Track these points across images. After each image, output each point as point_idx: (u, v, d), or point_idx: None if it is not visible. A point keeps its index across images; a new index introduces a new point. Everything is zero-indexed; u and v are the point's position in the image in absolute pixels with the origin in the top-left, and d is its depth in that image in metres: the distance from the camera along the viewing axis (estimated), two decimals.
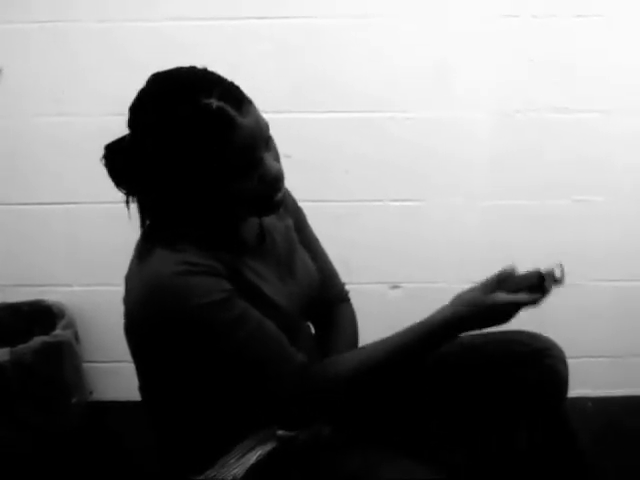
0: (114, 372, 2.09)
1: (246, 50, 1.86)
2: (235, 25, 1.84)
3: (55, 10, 1.86)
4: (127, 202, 1.05)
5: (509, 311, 1.04)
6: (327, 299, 1.29)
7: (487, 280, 1.07)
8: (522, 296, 1.03)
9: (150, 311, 0.99)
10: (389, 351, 1.07)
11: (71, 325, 1.96)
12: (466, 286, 2.12)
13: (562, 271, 1.04)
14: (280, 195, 1.05)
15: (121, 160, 1.02)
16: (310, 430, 1.13)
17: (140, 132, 1.00)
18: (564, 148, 1.94)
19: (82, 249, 2.04)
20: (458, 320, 1.05)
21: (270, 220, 1.19)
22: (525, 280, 1.06)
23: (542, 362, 1.20)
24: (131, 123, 1.01)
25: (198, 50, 1.74)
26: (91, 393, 2.10)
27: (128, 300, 1.05)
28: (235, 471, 1.10)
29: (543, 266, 1.06)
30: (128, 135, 1.02)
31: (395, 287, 2.07)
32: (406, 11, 1.85)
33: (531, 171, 1.96)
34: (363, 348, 1.11)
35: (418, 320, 2.18)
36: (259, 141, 1.00)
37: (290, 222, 1.25)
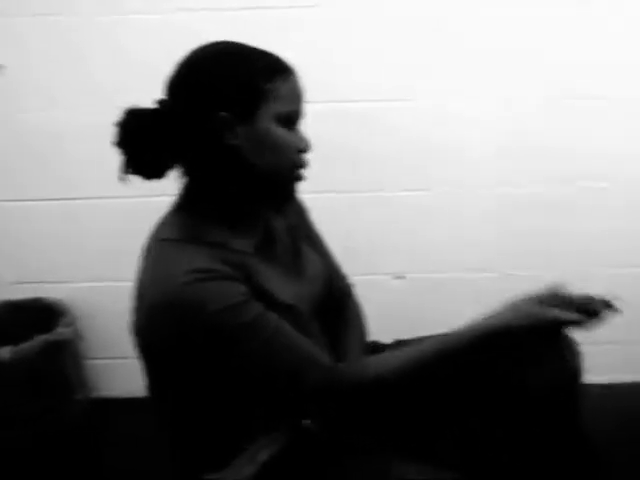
0: (117, 369, 2.08)
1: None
2: (227, 16, 1.81)
3: (56, 4, 1.83)
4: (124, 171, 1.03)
5: (557, 327, 1.06)
6: (334, 295, 1.28)
7: (541, 293, 1.07)
8: (577, 316, 1.04)
9: (169, 320, 0.96)
10: (433, 353, 1.05)
11: (72, 322, 1.95)
12: (469, 276, 2.11)
13: (617, 301, 1.05)
14: (303, 174, 1.08)
15: (159, 128, 1.01)
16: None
17: (196, 80, 1.01)
18: (569, 135, 1.92)
19: (82, 245, 2.02)
20: (506, 328, 1.05)
21: (273, 220, 1.18)
22: (577, 301, 1.06)
23: (557, 355, 1.18)
24: (183, 80, 1.02)
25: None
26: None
27: (141, 306, 1.02)
28: (247, 470, 1.08)
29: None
30: (163, 103, 1.03)
31: (399, 278, 2.05)
32: None
33: (536, 159, 1.94)
34: (405, 349, 1.08)
35: (422, 310, 2.17)
36: (303, 99, 1.06)
37: (294, 219, 1.24)
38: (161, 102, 1.04)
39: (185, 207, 1.07)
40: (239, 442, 1.10)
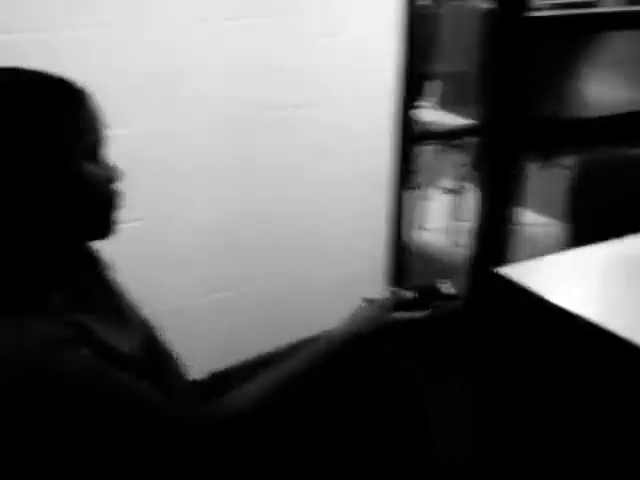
0: None
1: None
2: None
3: None
4: None
5: (402, 328, 1.14)
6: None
7: (384, 299, 1.16)
8: (418, 314, 1.14)
9: (10, 406, 0.84)
10: (288, 377, 1.06)
11: None
12: (203, 300, 2.03)
13: (448, 287, 1.16)
14: (120, 203, 0.97)
15: None
16: None
17: None
18: (282, 145, 2.00)
19: None
20: (355, 338, 1.11)
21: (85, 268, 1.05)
22: (411, 296, 1.17)
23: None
24: None
25: None
26: None
27: None
28: None
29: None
30: None
31: None
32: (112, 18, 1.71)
33: (248, 172, 1.99)
34: (261, 379, 1.05)
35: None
36: (102, 122, 0.95)
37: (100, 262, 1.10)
38: None
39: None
40: None
